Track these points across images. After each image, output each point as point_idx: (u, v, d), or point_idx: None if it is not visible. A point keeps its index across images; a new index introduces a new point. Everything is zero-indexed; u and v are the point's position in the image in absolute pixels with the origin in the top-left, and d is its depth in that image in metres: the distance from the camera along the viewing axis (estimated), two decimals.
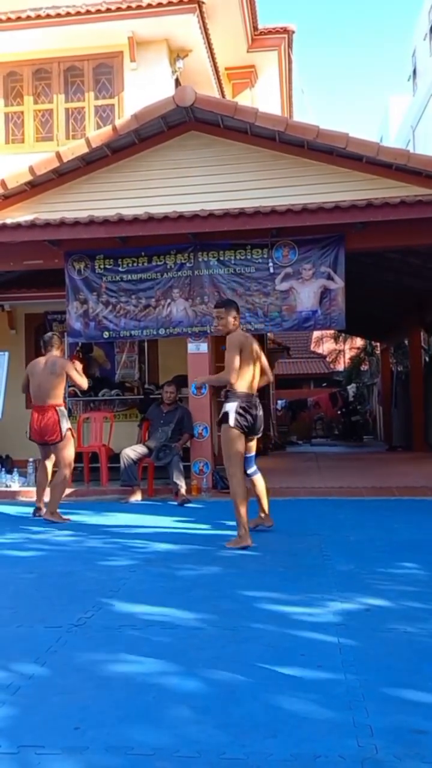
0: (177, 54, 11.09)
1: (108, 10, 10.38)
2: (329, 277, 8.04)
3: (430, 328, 14.37)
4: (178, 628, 3.16)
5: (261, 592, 3.73)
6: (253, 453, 5.39)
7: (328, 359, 29.15)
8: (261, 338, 12.40)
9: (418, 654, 2.78)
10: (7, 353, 9.03)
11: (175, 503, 7.22)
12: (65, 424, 6.44)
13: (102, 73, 11.06)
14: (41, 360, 6.65)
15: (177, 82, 11.09)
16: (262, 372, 5.41)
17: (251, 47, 13.86)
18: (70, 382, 6.85)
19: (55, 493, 6.36)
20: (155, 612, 3.41)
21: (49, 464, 6.63)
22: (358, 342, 24.33)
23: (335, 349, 26.43)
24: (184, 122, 8.66)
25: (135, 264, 8.42)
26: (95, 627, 3.19)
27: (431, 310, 13.01)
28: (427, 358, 14.66)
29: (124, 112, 10.53)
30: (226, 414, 5.05)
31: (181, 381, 8.52)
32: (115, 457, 8.24)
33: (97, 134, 8.65)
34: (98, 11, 10.40)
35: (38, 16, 10.42)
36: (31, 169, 8.60)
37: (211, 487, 7.98)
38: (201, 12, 10.47)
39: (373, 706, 2.30)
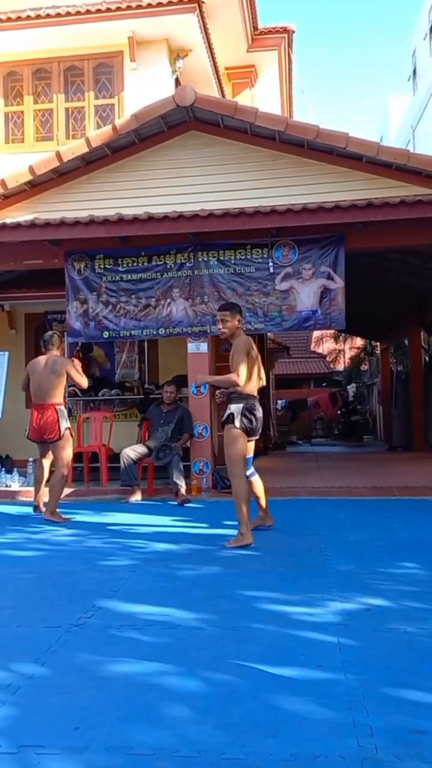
0: (177, 54, 11.09)
1: (108, 9, 10.38)
2: (329, 277, 8.04)
3: (430, 328, 14.37)
4: (178, 628, 3.16)
5: (261, 591, 3.73)
6: (251, 455, 5.39)
7: (328, 359, 29.15)
8: (261, 338, 12.41)
9: (418, 654, 2.78)
10: (7, 353, 9.03)
11: (175, 503, 7.22)
12: (64, 423, 6.46)
13: (102, 72, 11.05)
14: (41, 359, 6.66)
15: (177, 82, 11.09)
16: (259, 375, 5.44)
17: (251, 47, 13.86)
18: (71, 382, 6.86)
19: (53, 493, 6.36)
20: (155, 612, 3.41)
21: (47, 463, 6.64)
22: (358, 342, 24.33)
23: (335, 349, 26.43)
24: (184, 122, 8.66)
25: (135, 264, 8.42)
26: (95, 627, 3.18)
27: (431, 309, 13.01)
28: (427, 358, 14.66)
29: (124, 111, 10.53)
30: (231, 415, 5.10)
31: (181, 381, 8.52)
32: (115, 457, 8.24)
33: (97, 134, 8.65)
34: (98, 11, 10.40)
35: (38, 16, 10.42)
36: (31, 169, 8.60)
37: (211, 487, 7.98)
38: (201, 12, 10.47)
39: (373, 706, 2.30)
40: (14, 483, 8.36)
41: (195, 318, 8.27)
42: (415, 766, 1.93)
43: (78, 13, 10.38)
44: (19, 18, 10.46)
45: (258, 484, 5.42)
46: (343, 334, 22.84)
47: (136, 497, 7.54)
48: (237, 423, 5.07)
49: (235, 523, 5.07)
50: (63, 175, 8.83)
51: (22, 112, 11.16)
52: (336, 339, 24.83)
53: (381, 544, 5.02)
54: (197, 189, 8.48)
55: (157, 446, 7.65)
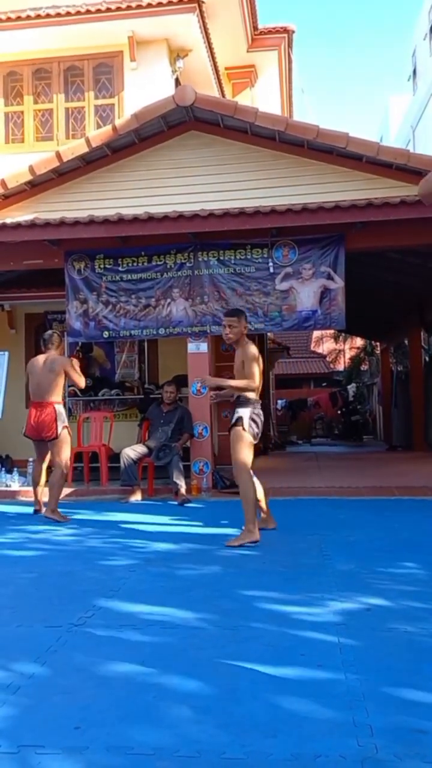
0: (177, 54, 11.10)
1: (108, 9, 10.38)
2: (329, 277, 8.04)
3: (430, 328, 14.36)
4: (178, 627, 3.16)
5: (261, 591, 3.73)
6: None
7: (328, 359, 29.16)
8: (261, 338, 12.41)
9: (419, 653, 2.78)
10: (6, 353, 9.04)
11: (175, 503, 7.22)
12: (62, 422, 6.47)
13: (102, 72, 11.06)
14: (40, 358, 6.66)
15: (177, 82, 11.09)
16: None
17: (251, 47, 13.86)
18: (70, 381, 6.87)
19: (53, 492, 6.37)
20: (155, 612, 3.41)
21: (44, 465, 6.65)
22: (358, 342, 24.34)
23: (335, 349, 26.44)
24: (184, 122, 8.66)
25: (135, 264, 8.42)
26: (95, 627, 3.18)
27: (431, 309, 13.00)
28: (427, 358, 14.65)
29: (124, 111, 10.53)
30: (240, 418, 5.17)
31: (181, 381, 8.52)
32: (115, 457, 8.24)
33: (97, 134, 8.65)
34: (98, 11, 10.40)
35: (38, 16, 10.43)
36: (31, 169, 8.60)
37: (211, 487, 7.99)
38: (201, 12, 10.47)
39: (374, 706, 2.29)
40: (14, 483, 8.36)
41: (195, 318, 8.27)
42: (415, 766, 1.92)
43: (78, 13, 10.38)
44: (19, 18, 10.46)
45: (258, 488, 5.42)
46: (343, 334, 22.85)
47: (136, 497, 7.54)
48: (246, 426, 5.15)
49: (237, 522, 5.06)
50: (63, 175, 8.84)
51: (22, 112, 11.16)
52: (336, 339, 24.85)
53: (381, 543, 5.02)
54: (197, 189, 8.49)
55: (157, 446, 7.65)
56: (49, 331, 7.00)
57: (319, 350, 29.53)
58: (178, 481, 7.28)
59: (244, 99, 13.64)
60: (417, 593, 3.62)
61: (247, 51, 13.87)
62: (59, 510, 6.34)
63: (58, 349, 6.71)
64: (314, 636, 3.00)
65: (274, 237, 8.08)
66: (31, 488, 7.02)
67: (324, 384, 29.64)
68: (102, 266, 8.48)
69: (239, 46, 13.48)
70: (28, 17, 10.45)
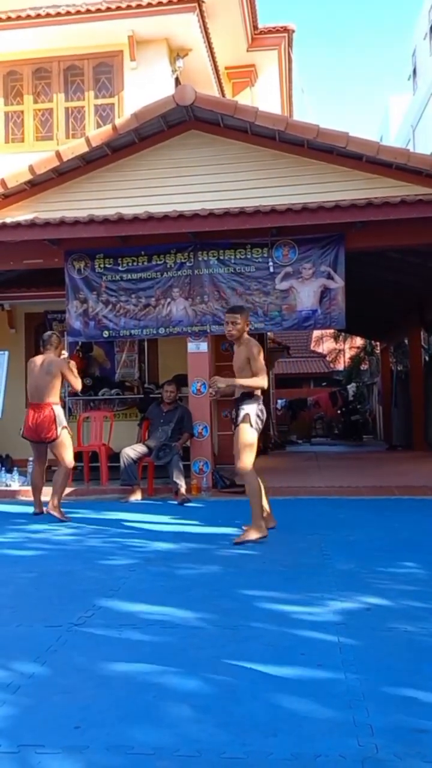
0: (177, 53, 11.09)
1: (108, 9, 10.38)
2: (329, 277, 8.03)
3: (430, 328, 14.36)
4: (178, 627, 3.16)
5: (261, 591, 3.73)
6: None
7: (328, 358, 29.16)
8: (261, 338, 12.40)
9: (419, 653, 2.78)
10: (6, 352, 9.04)
11: (175, 502, 7.21)
12: (61, 423, 6.47)
13: (102, 72, 11.05)
14: (38, 359, 6.66)
15: (177, 81, 11.09)
16: None
17: (251, 46, 13.86)
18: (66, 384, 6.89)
19: (57, 488, 6.39)
20: (155, 611, 3.41)
21: (42, 467, 6.69)
22: (358, 341, 24.34)
23: (335, 349, 26.44)
24: (184, 121, 8.66)
25: (135, 263, 8.42)
26: (95, 626, 3.18)
27: (431, 309, 13.00)
28: (427, 358, 14.65)
29: (124, 111, 10.53)
30: (248, 415, 5.22)
31: (181, 380, 8.52)
32: (115, 457, 8.24)
33: (97, 133, 8.65)
34: (98, 10, 10.40)
35: (38, 16, 10.42)
36: (31, 169, 8.60)
37: (211, 487, 7.99)
38: (201, 11, 10.47)
39: (374, 705, 2.29)
40: (14, 482, 8.37)
41: (195, 317, 8.27)
42: (415, 765, 1.92)
43: (78, 12, 10.38)
44: (19, 17, 10.46)
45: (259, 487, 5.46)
46: (343, 334, 22.85)
47: (136, 497, 7.54)
48: (253, 423, 5.22)
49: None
50: (63, 174, 8.83)
51: (22, 112, 11.16)
52: (336, 338, 24.85)
53: (381, 543, 5.02)
54: (197, 188, 8.49)
55: (157, 446, 7.65)
56: (48, 332, 7.00)
57: (319, 350, 29.53)
58: (178, 481, 7.28)
59: (244, 98, 13.64)
60: (417, 593, 3.62)
61: (247, 50, 13.87)
62: (62, 509, 6.35)
63: (57, 350, 6.71)
64: (314, 635, 3.00)
65: (274, 236, 8.08)
66: (30, 488, 7.02)
67: (324, 383, 29.65)
68: (102, 266, 8.48)
69: (239, 45, 13.47)
70: (28, 17, 10.44)
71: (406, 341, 15.66)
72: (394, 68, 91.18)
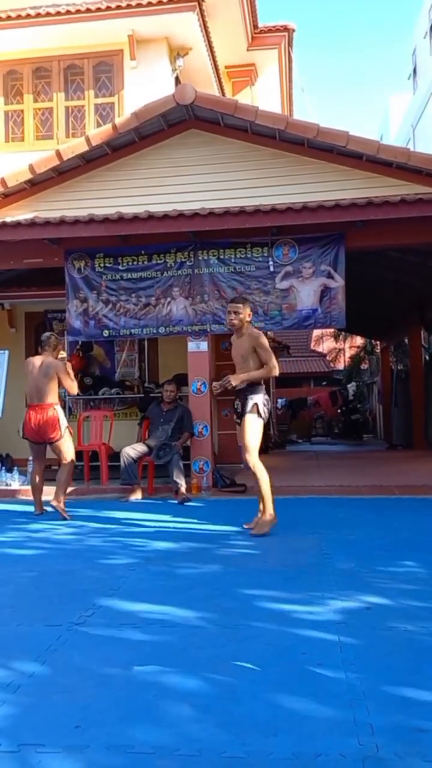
0: (177, 52, 11.09)
1: (108, 8, 10.38)
2: (329, 276, 8.03)
3: (430, 327, 14.36)
4: (178, 626, 3.16)
5: (261, 590, 3.73)
6: None
7: (328, 358, 29.15)
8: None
9: (419, 652, 2.78)
10: (7, 352, 9.03)
11: (175, 502, 7.21)
12: (64, 423, 6.53)
13: (102, 71, 11.05)
14: (36, 360, 6.66)
15: (177, 81, 11.09)
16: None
17: (251, 45, 13.85)
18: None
19: (61, 485, 6.42)
20: (155, 610, 3.41)
21: (41, 468, 6.71)
22: (358, 340, 24.33)
23: (335, 348, 26.44)
24: (184, 120, 8.66)
25: (135, 262, 8.41)
26: (95, 625, 3.18)
27: (431, 308, 13.00)
28: (427, 357, 14.65)
29: (124, 110, 10.52)
30: (256, 405, 5.36)
31: (181, 380, 8.51)
32: (115, 456, 8.24)
33: (97, 132, 8.65)
34: (98, 9, 10.40)
35: (38, 15, 10.42)
36: (31, 168, 8.60)
37: (211, 486, 7.98)
38: (201, 10, 10.46)
39: (374, 705, 2.29)
40: (14, 482, 8.37)
41: (195, 317, 8.27)
42: (416, 765, 1.93)
43: (78, 11, 10.37)
44: (19, 17, 10.46)
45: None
46: (343, 333, 22.84)
47: (137, 496, 7.54)
48: (262, 413, 5.37)
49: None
50: (63, 173, 8.83)
51: (22, 111, 11.16)
52: (336, 338, 24.84)
53: (381, 542, 5.02)
54: (197, 187, 8.48)
55: (157, 445, 7.65)
56: (47, 333, 7.02)
57: (319, 349, 29.52)
58: (178, 480, 7.28)
59: (244, 98, 13.63)
60: (417, 592, 3.62)
61: (247, 50, 13.86)
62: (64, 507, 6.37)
63: (55, 352, 6.75)
64: (314, 635, 3.00)
65: (274, 236, 8.08)
66: (30, 488, 7.03)
67: (324, 383, 29.64)
68: (102, 265, 8.47)
69: (239, 44, 13.47)
70: (28, 16, 10.44)
71: (406, 340, 15.66)
72: (395, 67, 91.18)
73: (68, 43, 10.76)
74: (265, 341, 5.48)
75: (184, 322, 8.30)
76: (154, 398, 8.96)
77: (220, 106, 8.39)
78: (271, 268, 8.11)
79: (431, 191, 7.76)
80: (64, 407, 7.16)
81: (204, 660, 2.74)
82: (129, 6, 10.30)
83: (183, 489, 7.31)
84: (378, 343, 20.56)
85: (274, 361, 5.47)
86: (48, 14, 10.39)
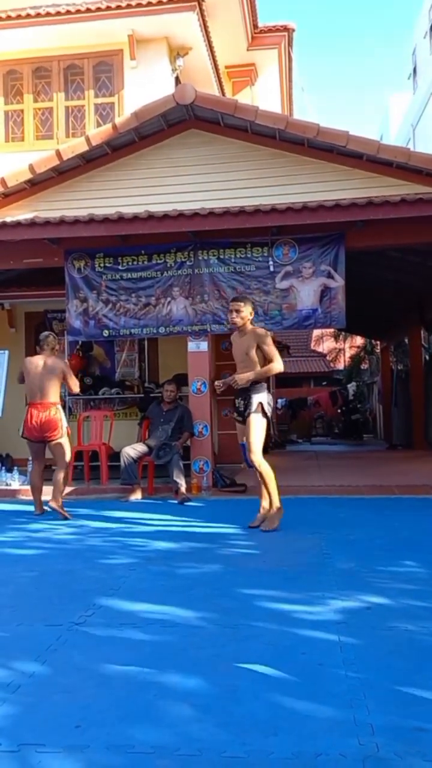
0: (177, 52, 11.09)
1: (108, 8, 10.38)
2: (329, 276, 8.03)
3: (430, 327, 14.36)
4: (178, 626, 3.16)
5: (261, 590, 3.73)
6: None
7: (328, 358, 29.15)
8: None
9: (419, 652, 2.78)
10: (7, 352, 9.03)
11: (176, 502, 7.21)
12: (65, 422, 6.62)
13: (102, 71, 11.05)
14: (38, 360, 6.69)
15: (177, 81, 11.09)
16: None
17: (251, 45, 13.85)
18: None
19: (58, 483, 6.44)
20: (156, 610, 3.41)
21: (40, 467, 6.75)
22: (358, 340, 24.33)
23: (335, 348, 26.44)
24: (184, 120, 8.65)
25: (135, 262, 8.41)
26: (96, 625, 3.18)
27: (431, 308, 13.00)
28: (427, 357, 14.65)
29: (124, 110, 10.52)
30: (260, 404, 5.45)
31: (181, 379, 8.51)
32: (115, 456, 8.24)
33: (97, 132, 8.65)
34: (98, 9, 10.40)
35: (38, 15, 10.42)
36: (31, 168, 8.60)
37: (211, 486, 7.98)
38: (201, 10, 10.46)
39: (374, 704, 2.29)
40: (14, 482, 8.37)
41: (195, 316, 8.27)
42: (416, 764, 1.92)
43: (78, 11, 10.38)
44: (19, 16, 10.46)
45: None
46: (343, 333, 22.84)
47: (137, 496, 7.54)
48: (268, 411, 5.49)
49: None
50: (63, 173, 8.83)
51: (22, 111, 11.16)
52: (336, 338, 24.84)
53: (381, 542, 5.01)
54: (197, 187, 8.48)
55: (157, 445, 7.65)
56: (45, 333, 7.06)
57: (319, 349, 29.51)
58: (178, 480, 7.28)
59: (244, 98, 13.63)
60: (417, 592, 3.62)
61: (247, 49, 13.85)
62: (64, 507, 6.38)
63: (54, 352, 6.77)
64: (315, 635, 3.00)
65: (274, 235, 8.07)
66: (30, 488, 7.04)
67: (324, 383, 29.62)
68: (102, 265, 8.47)
69: (239, 44, 13.46)
70: (28, 15, 10.44)
71: (406, 340, 15.65)
72: (395, 66, 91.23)
73: (68, 43, 10.76)
74: (269, 339, 5.57)
75: (184, 322, 8.30)
76: (154, 398, 8.96)
77: (220, 105, 8.38)
78: (271, 268, 8.11)
79: (431, 191, 7.76)
80: (64, 407, 7.17)
81: (204, 660, 2.74)
82: (129, 6, 10.30)
83: (183, 489, 7.31)
84: (378, 343, 20.56)
85: (278, 359, 5.53)
86: (48, 14, 10.39)
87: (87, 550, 4.99)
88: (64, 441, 6.57)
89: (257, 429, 5.46)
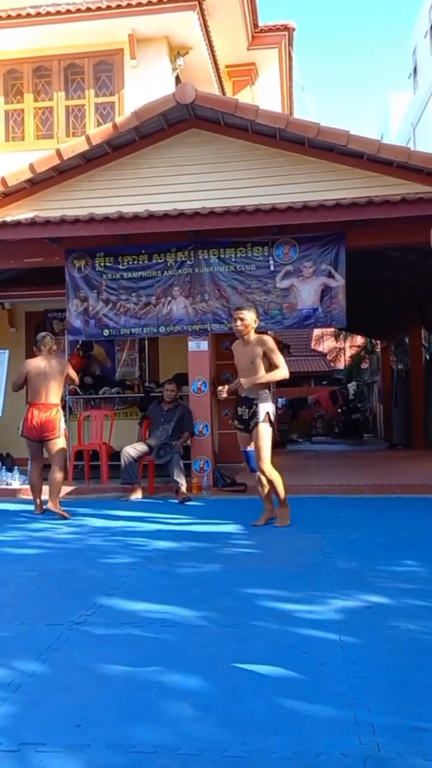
0: (177, 51, 11.08)
1: (108, 7, 10.37)
2: (330, 275, 8.02)
3: (430, 326, 14.35)
4: (178, 625, 3.16)
5: (262, 589, 3.73)
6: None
7: (328, 357, 29.15)
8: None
9: (420, 651, 2.78)
10: (7, 351, 9.01)
11: (176, 501, 7.21)
12: (63, 425, 6.70)
13: (102, 70, 11.04)
14: (39, 362, 6.71)
15: (177, 80, 11.08)
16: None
17: (251, 45, 13.84)
18: (68, 381, 7.01)
19: (54, 484, 6.46)
20: (156, 610, 3.41)
21: (39, 467, 6.79)
22: (359, 340, 24.33)
23: (336, 347, 26.44)
24: (185, 120, 8.65)
25: (135, 262, 8.41)
26: (96, 625, 3.18)
27: (431, 307, 12.99)
28: (427, 356, 14.64)
29: (124, 109, 10.51)
30: (267, 413, 5.54)
31: (181, 379, 8.51)
32: (115, 455, 8.24)
33: (97, 132, 8.65)
34: (98, 9, 10.39)
35: (38, 14, 10.41)
36: (32, 167, 8.60)
37: (211, 485, 7.98)
38: (201, 9, 10.46)
39: (375, 704, 2.29)
40: (15, 481, 8.37)
41: (195, 316, 8.26)
42: (417, 763, 1.92)
43: (78, 11, 10.37)
44: (19, 16, 10.45)
45: (264, 481, 5.66)
46: (343, 333, 22.84)
47: (137, 495, 7.53)
48: (272, 419, 5.58)
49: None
50: (63, 173, 8.82)
51: (23, 110, 11.15)
52: (336, 337, 24.84)
53: (382, 542, 5.01)
54: (198, 187, 8.48)
55: (157, 444, 7.65)
56: (42, 333, 7.12)
57: (320, 348, 29.51)
58: (178, 480, 7.27)
59: (245, 97, 13.61)
60: (418, 591, 3.62)
61: (248, 49, 13.85)
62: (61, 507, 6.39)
63: (52, 351, 6.81)
64: (315, 634, 2.99)
65: (274, 235, 8.07)
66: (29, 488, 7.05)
67: (324, 382, 29.62)
68: (102, 264, 8.47)
69: (239, 43, 13.46)
70: (29, 15, 10.43)
71: (406, 340, 15.65)
72: (395, 66, 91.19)
73: (68, 43, 10.75)
74: (274, 346, 5.61)
75: (185, 321, 8.29)
76: (154, 397, 8.96)
77: (221, 105, 8.38)
78: (272, 268, 8.11)
79: (431, 190, 7.76)
80: (64, 407, 7.19)
81: (204, 659, 2.74)
82: (129, 5, 10.29)
83: (183, 488, 7.30)
84: (378, 342, 20.55)
85: (284, 365, 5.59)
86: (48, 13, 10.38)
87: (87, 549, 4.99)
88: (62, 441, 6.62)
89: (267, 438, 5.55)
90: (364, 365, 24.82)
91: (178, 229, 7.92)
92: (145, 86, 10.41)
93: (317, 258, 8.04)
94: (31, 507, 6.78)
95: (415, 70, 20.48)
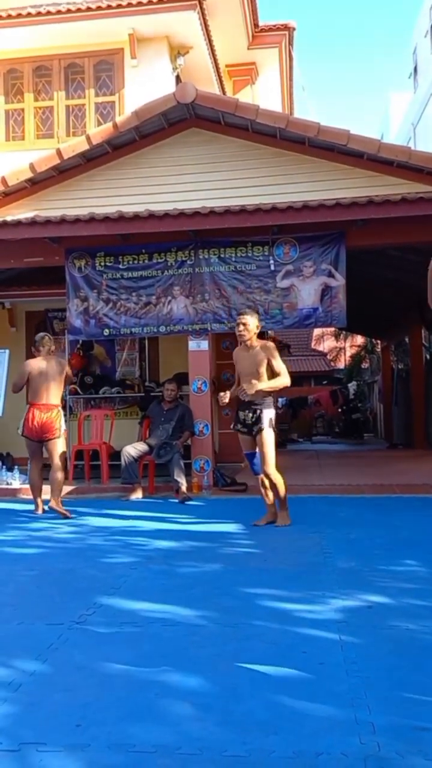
0: (178, 51, 11.08)
1: (108, 7, 10.37)
2: (330, 275, 8.02)
3: (430, 326, 14.35)
4: (179, 625, 3.16)
5: (262, 589, 3.73)
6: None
7: (328, 357, 29.14)
8: (261, 336, 12.37)
9: (420, 651, 2.78)
10: (7, 351, 9.02)
11: (176, 501, 7.21)
12: (63, 426, 6.74)
13: (102, 70, 11.04)
14: (40, 363, 6.73)
15: (178, 79, 11.07)
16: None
17: (252, 44, 13.83)
18: (67, 381, 7.09)
19: (55, 483, 6.48)
20: (156, 609, 3.41)
21: (38, 466, 6.81)
22: (359, 340, 24.33)
23: (336, 347, 26.44)
24: (185, 119, 8.65)
25: (136, 261, 8.40)
26: (96, 624, 3.18)
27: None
28: (428, 356, 14.64)
29: (124, 109, 10.51)
30: (271, 420, 5.58)
31: (182, 378, 8.51)
32: (115, 455, 8.24)
33: (97, 131, 8.65)
34: (99, 8, 10.39)
35: (39, 13, 10.41)
36: (32, 167, 8.60)
37: (212, 485, 7.98)
38: (202, 9, 10.45)
39: (375, 704, 2.29)
40: (15, 480, 8.37)
41: (196, 315, 8.26)
42: (417, 763, 1.92)
43: (78, 10, 10.37)
44: (19, 15, 10.45)
45: (266, 483, 5.69)
46: (343, 332, 22.83)
47: (137, 495, 7.54)
48: (273, 425, 5.62)
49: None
50: (63, 172, 8.82)
51: (23, 110, 11.15)
52: (337, 337, 24.84)
53: (382, 541, 5.01)
54: (198, 186, 8.48)
55: (158, 444, 7.65)
56: (40, 333, 7.15)
57: (320, 348, 29.50)
58: (179, 479, 7.27)
59: (245, 96, 13.60)
60: (418, 590, 3.61)
61: (248, 48, 13.84)
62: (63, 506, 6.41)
63: (50, 352, 6.82)
64: (315, 634, 2.99)
65: (275, 234, 8.07)
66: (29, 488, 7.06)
67: (325, 382, 29.61)
68: (103, 264, 8.47)
69: (240, 43, 13.45)
70: (29, 14, 10.43)
71: (406, 339, 15.64)
72: (395, 66, 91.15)
73: (69, 42, 10.75)
74: (277, 353, 5.66)
75: (185, 321, 8.29)
76: (154, 397, 8.95)
77: (221, 104, 8.38)
78: (272, 267, 8.10)
79: None
80: (64, 407, 7.19)
81: (205, 659, 2.74)
82: (129, 5, 10.29)
83: (184, 488, 7.30)
84: (379, 342, 20.55)
85: (286, 373, 5.62)
86: (48, 13, 10.38)
87: (88, 548, 4.99)
88: (61, 441, 6.65)
89: (271, 444, 5.58)
90: (365, 365, 24.82)
91: (179, 229, 7.92)
92: (146, 86, 10.40)
93: (317, 257, 8.04)
94: (31, 507, 6.79)
95: (415, 69, 20.47)
